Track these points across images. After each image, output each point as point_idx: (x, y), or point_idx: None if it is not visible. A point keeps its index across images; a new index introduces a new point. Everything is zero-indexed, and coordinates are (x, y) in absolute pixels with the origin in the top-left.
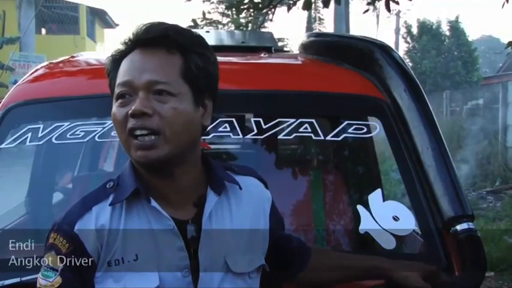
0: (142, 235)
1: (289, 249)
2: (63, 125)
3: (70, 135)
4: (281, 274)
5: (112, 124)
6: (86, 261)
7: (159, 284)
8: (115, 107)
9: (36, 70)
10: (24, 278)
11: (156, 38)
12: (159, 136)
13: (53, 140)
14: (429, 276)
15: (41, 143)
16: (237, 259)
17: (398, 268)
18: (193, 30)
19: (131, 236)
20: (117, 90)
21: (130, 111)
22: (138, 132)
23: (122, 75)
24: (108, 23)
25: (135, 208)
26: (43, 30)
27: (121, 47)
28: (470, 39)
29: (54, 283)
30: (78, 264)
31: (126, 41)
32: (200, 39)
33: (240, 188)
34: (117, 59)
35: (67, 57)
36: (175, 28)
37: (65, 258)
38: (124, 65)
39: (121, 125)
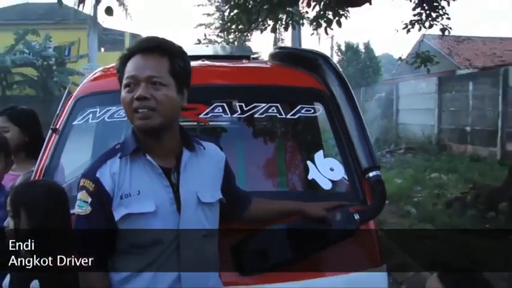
0: (142, 178)
1: (237, 197)
2: (111, 109)
3: (116, 115)
4: (231, 213)
5: None
6: (105, 195)
7: (155, 209)
8: (124, 93)
9: (95, 73)
10: None
11: (152, 47)
12: (154, 111)
13: (106, 119)
14: (334, 207)
15: (98, 121)
16: (204, 193)
17: (309, 206)
18: (196, 44)
19: (134, 178)
20: (125, 81)
21: (135, 96)
22: (140, 110)
23: (129, 71)
24: None
25: (135, 160)
26: (102, 49)
27: (127, 52)
28: (376, 54)
29: (86, 210)
30: (100, 198)
31: (131, 48)
32: (181, 49)
33: (204, 148)
34: (124, 61)
35: (114, 64)
36: (165, 40)
37: (92, 195)
38: (130, 65)
39: (128, 105)
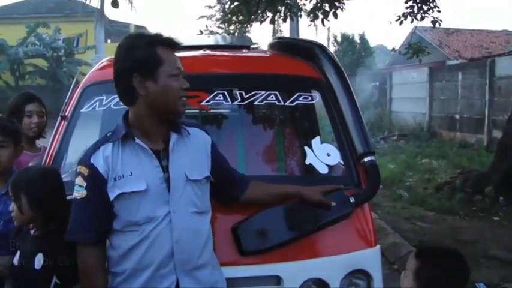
0: (133, 160)
1: (232, 178)
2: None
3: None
4: (228, 195)
5: None
6: (100, 179)
7: (146, 187)
8: (172, 81)
9: (101, 63)
10: None
11: (176, 44)
12: None
13: (112, 106)
14: (330, 191)
15: (104, 108)
16: (191, 172)
17: (306, 190)
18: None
19: (126, 161)
20: (175, 71)
21: (184, 86)
22: (183, 98)
23: (176, 63)
24: None
25: (126, 144)
26: (108, 40)
27: (153, 41)
28: (370, 45)
29: (82, 194)
30: (95, 181)
31: (159, 39)
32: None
33: (189, 133)
34: (152, 49)
35: None
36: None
37: (87, 179)
38: (172, 56)
39: (176, 91)
